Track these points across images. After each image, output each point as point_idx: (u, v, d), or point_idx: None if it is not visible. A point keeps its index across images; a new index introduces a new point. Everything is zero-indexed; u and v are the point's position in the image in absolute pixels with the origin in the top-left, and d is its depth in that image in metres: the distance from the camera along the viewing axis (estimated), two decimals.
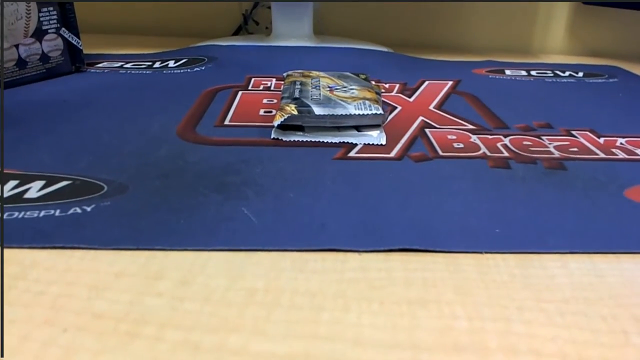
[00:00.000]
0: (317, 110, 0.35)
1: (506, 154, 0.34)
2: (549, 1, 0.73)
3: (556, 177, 0.31)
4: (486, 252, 0.23)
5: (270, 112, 0.41)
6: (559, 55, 0.75)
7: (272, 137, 0.35)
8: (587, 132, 0.39)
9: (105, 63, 0.55)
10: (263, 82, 0.49)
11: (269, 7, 0.65)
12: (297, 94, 0.38)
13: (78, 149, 0.33)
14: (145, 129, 0.36)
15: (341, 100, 0.37)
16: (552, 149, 0.35)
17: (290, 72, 0.45)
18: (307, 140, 0.35)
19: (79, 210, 0.25)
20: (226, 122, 0.38)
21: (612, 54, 0.75)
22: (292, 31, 0.63)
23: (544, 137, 0.37)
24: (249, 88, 0.47)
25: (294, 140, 0.35)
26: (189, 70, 0.53)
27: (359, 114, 0.35)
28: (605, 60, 0.68)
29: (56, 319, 0.19)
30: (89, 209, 0.26)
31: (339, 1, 0.74)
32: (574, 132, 0.39)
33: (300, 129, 0.36)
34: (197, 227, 0.24)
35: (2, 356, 0.17)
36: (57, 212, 0.25)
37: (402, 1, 0.73)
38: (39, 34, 0.48)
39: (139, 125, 0.37)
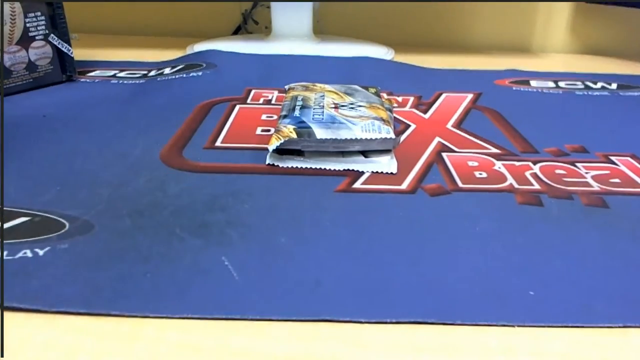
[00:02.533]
0: (319, 133, 0.31)
1: (537, 186, 0.29)
2: (552, 0, 0.70)
3: (597, 217, 0.26)
4: (519, 326, 0.19)
5: (269, 130, 0.37)
6: (559, 54, 0.73)
7: (267, 162, 0.31)
8: (629, 158, 0.34)
9: (98, 71, 0.51)
10: (264, 95, 0.45)
11: (269, 7, 0.63)
12: (297, 112, 0.34)
13: (47, 177, 0.29)
14: (126, 152, 0.32)
15: (347, 119, 0.32)
16: (590, 180, 0.30)
17: (292, 85, 0.41)
18: (306, 167, 0.31)
19: (29, 254, 0.22)
20: (217, 144, 0.34)
21: (613, 53, 0.71)
22: (291, 31, 0.61)
23: (579, 165, 0.32)
24: (248, 102, 0.43)
25: (292, 167, 0.31)
26: (184, 75, 0.49)
27: (366, 138, 0.31)
28: (606, 59, 0.65)
29: (56, 319, 0.19)
30: (41, 252, 0.22)
31: (339, 1, 0.71)
32: (613, 158, 0.34)
33: (299, 153, 0.32)
34: (165, 285, 0.20)
35: (2, 356, 0.17)
36: (5, 255, 0.21)
37: (402, 1, 0.71)
38: (25, 40, 0.44)
39: (121, 147, 0.33)
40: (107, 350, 0.17)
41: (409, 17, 0.73)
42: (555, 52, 0.74)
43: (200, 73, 0.50)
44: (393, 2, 0.72)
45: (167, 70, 0.51)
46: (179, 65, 0.53)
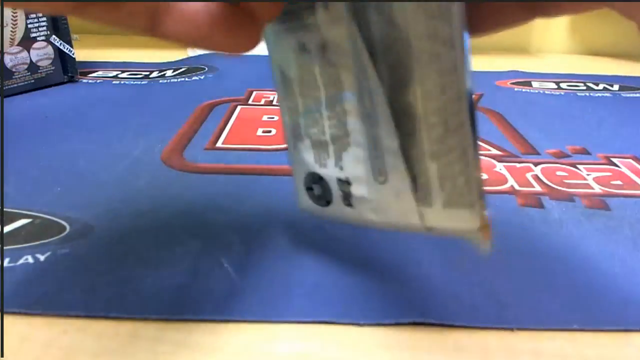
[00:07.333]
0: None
1: (538, 188, 0.29)
2: (552, 1, 0.70)
3: (599, 220, 0.26)
4: (517, 329, 0.19)
5: (270, 131, 0.37)
6: (559, 54, 0.73)
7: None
8: (630, 160, 0.34)
9: (100, 72, 0.52)
10: (265, 96, 0.45)
11: None
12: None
13: (48, 177, 0.29)
14: (127, 153, 0.32)
15: None
16: (591, 182, 0.30)
17: None
18: None
19: (30, 260, 0.22)
20: (218, 144, 0.34)
21: (613, 54, 0.72)
22: None
23: (580, 166, 0.32)
24: (249, 102, 0.43)
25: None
26: (186, 79, 0.49)
27: None
28: (607, 60, 0.66)
29: (56, 319, 0.19)
30: (42, 257, 0.22)
31: (340, 1, 0.71)
32: (614, 160, 0.34)
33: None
34: (164, 287, 0.20)
35: (2, 356, 0.17)
36: (6, 262, 0.21)
37: (401, 1, 0.71)
38: (26, 42, 0.45)
39: (122, 147, 0.33)
40: (107, 350, 0.17)
41: None
42: (554, 52, 0.74)
43: (202, 77, 0.50)
44: None
45: (169, 73, 0.52)
46: (181, 68, 0.53)
